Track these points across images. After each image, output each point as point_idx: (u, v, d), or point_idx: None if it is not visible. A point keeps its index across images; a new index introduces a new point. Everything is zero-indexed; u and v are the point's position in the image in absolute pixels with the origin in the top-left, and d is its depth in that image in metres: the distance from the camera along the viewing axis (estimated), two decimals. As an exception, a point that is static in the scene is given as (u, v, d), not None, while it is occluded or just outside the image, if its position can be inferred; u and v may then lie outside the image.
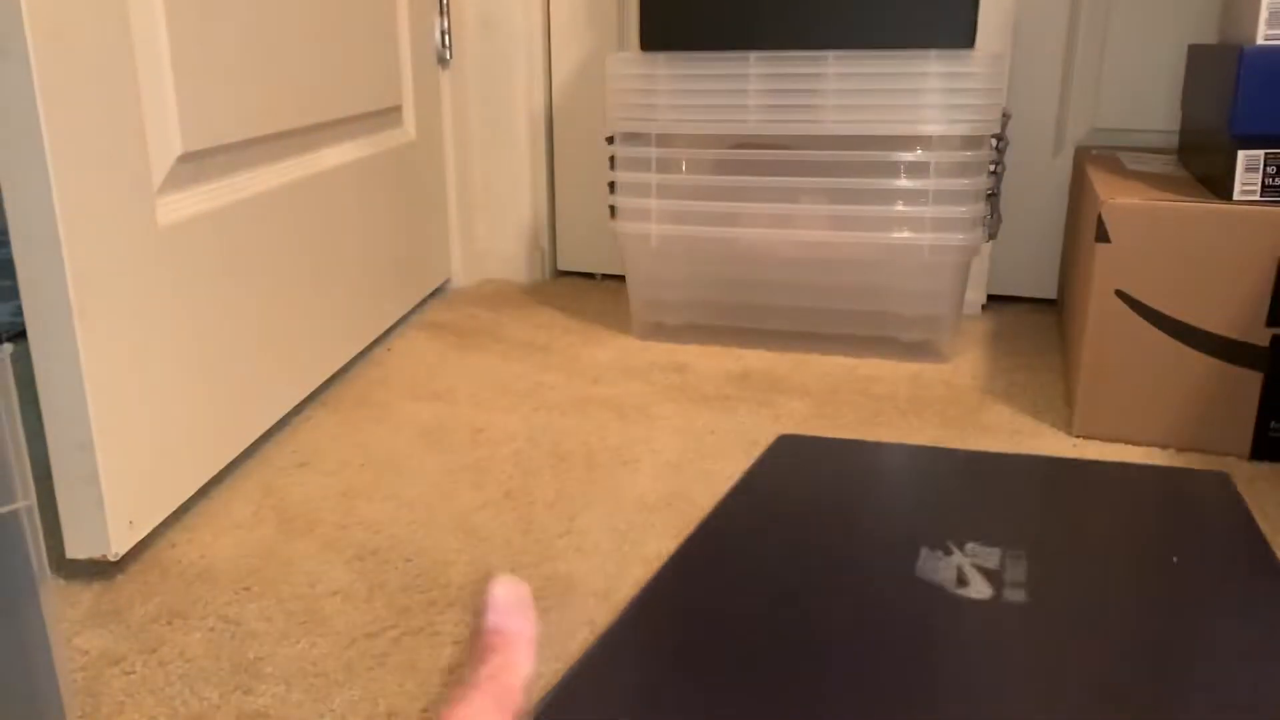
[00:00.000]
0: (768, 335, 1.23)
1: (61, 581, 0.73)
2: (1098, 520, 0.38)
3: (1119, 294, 0.91)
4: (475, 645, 0.25)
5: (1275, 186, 0.87)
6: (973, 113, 1.07)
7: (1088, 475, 0.43)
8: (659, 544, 0.77)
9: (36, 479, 0.55)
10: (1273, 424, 0.90)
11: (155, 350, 0.77)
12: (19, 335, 0.68)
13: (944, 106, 1.07)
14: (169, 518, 0.80)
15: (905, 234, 1.11)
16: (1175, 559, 0.35)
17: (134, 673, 0.63)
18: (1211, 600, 0.32)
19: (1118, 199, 0.89)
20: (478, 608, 0.25)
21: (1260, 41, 0.86)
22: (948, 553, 0.35)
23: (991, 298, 1.40)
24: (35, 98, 0.63)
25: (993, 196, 1.14)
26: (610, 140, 1.19)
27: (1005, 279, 1.39)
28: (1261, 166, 0.87)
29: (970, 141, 1.08)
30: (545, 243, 1.53)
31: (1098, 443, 0.95)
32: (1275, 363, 0.88)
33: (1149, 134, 1.31)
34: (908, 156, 1.09)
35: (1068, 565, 0.34)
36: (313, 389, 1.04)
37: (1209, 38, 1.25)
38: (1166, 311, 0.90)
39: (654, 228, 1.18)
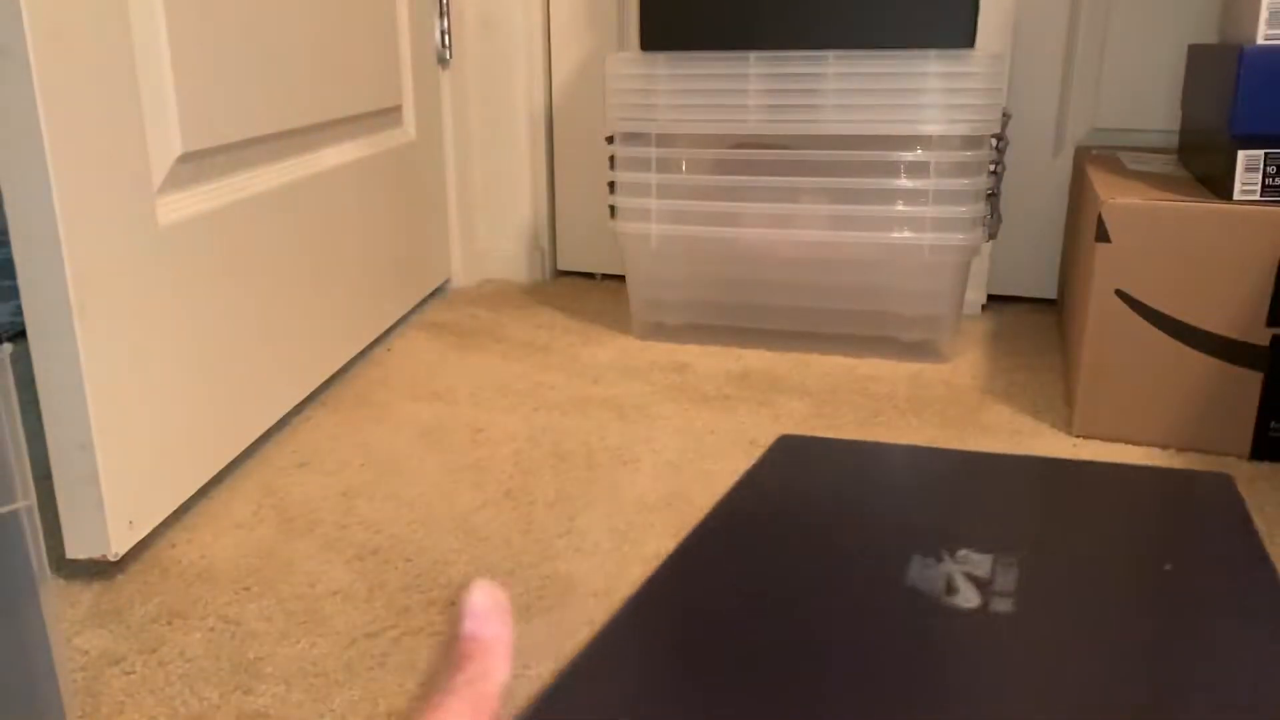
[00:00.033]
0: (768, 335, 1.23)
1: (61, 581, 0.73)
2: (1093, 525, 0.38)
3: (1119, 294, 0.91)
4: (451, 651, 0.24)
5: (1275, 186, 0.87)
6: (973, 113, 1.07)
7: (1088, 477, 0.43)
8: (659, 544, 0.77)
9: (36, 479, 0.55)
10: (1273, 424, 0.90)
11: (155, 350, 0.77)
12: (19, 335, 0.68)
13: (944, 106, 1.07)
14: (169, 518, 0.80)
15: (905, 234, 1.11)
16: (1168, 566, 0.34)
17: (134, 673, 0.63)
18: (1200, 612, 0.31)
19: (1118, 199, 0.89)
20: (454, 614, 0.25)
21: (1260, 41, 0.86)
22: (939, 559, 0.35)
23: (991, 298, 1.40)
24: (35, 98, 0.63)
25: (993, 196, 1.14)
26: (610, 140, 1.19)
27: (1005, 279, 1.39)
28: (1261, 166, 0.87)
29: (970, 141, 1.08)
30: (545, 243, 1.53)
31: (1097, 443, 0.95)
32: (1275, 363, 0.88)
33: (1149, 134, 1.31)
34: (908, 156, 1.09)
35: (1058, 574, 0.34)
36: (313, 389, 1.04)
37: (1209, 38, 1.25)
38: (1166, 311, 0.90)
39: (654, 228, 1.18)
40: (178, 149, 0.79)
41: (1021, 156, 1.34)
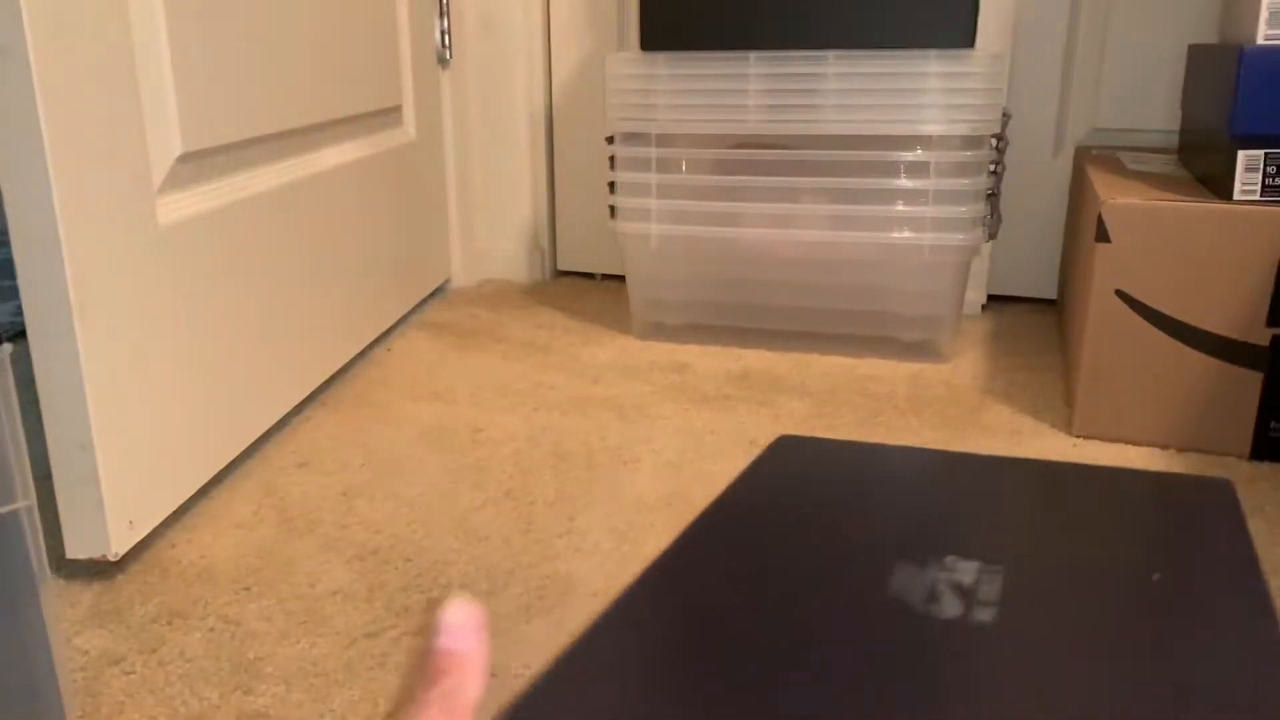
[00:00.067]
0: (768, 335, 1.23)
1: (61, 581, 0.73)
2: (1086, 531, 0.38)
3: (1119, 294, 0.91)
4: (425, 666, 0.24)
5: (1275, 186, 0.87)
6: (973, 113, 1.07)
7: (1086, 481, 0.42)
8: (659, 544, 0.77)
9: (36, 479, 0.55)
10: (1273, 424, 0.90)
11: (155, 350, 0.77)
12: (19, 335, 0.68)
13: (944, 106, 1.07)
14: (169, 518, 0.80)
15: (905, 234, 1.11)
16: (1156, 576, 0.34)
17: (134, 673, 0.63)
18: (1182, 626, 0.31)
19: (1118, 199, 0.89)
20: (427, 629, 0.25)
21: (1260, 41, 0.86)
22: (925, 566, 0.34)
23: (991, 298, 1.40)
24: (35, 98, 0.63)
25: (993, 196, 1.14)
26: (610, 140, 1.19)
27: (1005, 279, 1.39)
28: (1261, 166, 0.87)
29: (970, 141, 1.08)
30: (545, 243, 1.53)
31: (1097, 443, 0.95)
32: (1275, 363, 0.88)
33: (1149, 134, 1.31)
34: (908, 156, 1.09)
35: (1043, 582, 0.34)
36: (313, 389, 1.04)
37: (1209, 38, 1.25)
38: (1166, 311, 0.90)
39: (654, 228, 1.18)
40: (178, 149, 0.79)
41: (1021, 156, 1.34)
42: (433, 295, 1.44)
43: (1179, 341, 0.90)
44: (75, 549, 0.72)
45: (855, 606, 0.32)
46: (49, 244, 0.66)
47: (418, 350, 1.22)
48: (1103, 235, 0.90)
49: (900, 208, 1.10)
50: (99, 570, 0.74)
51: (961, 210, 1.09)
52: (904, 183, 1.10)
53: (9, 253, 0.66)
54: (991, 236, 1.16)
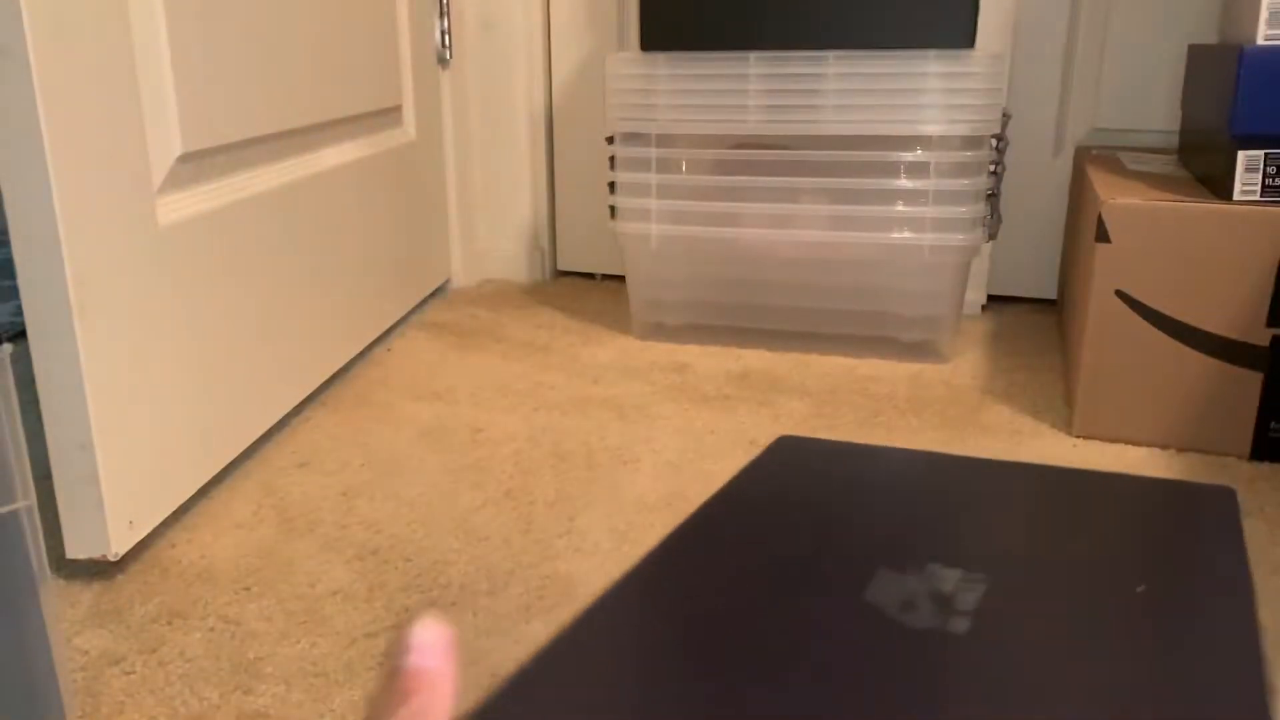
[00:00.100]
0: (768, 335, 1.23)
1: (61, 581, 0.73)
2: (1076, 539, 0.37)
3: (1119, 294, 0.91)
4: (393, 685, 0.23)
5: (1275, 186, 0.87)
6: (973, 113, 1.07)
7: (1085, 487, 0.42)
8: (659, 544, 0.77)
9: (36, 479, 0.55)
10: (1273, 424, 0.90)
11: (155, 350, 0.77)
12: (19, 335, 0.68)
13: (944, 106, 1.07)
14: (169, 518, 0.80)
15: (905, 234, 1.11)
16: (1141, 588, 0.33)
17: (134, 673, 0.63)
18: (1159, 643, 0.31)
19: (1118, 199, 0.89)
20: (396, 648, 0.25)
21: (1260, 41, 0.86)
22: (906, 573, 0.34)
23: (991, 298, 1.40)
24: (35, 98, 0.63)
25: (993, 196, 1.14)
26: (610, 140, 1.19)
27: (1005, 279, 1.39)
28: (1261, 166, 0.87)
29: (970, 141, 1.08)
30: (545, 243, 1.53)
31: (1098, 443, 0.95)
32: (1275, 363, 0.88)
33: (1149, 134, 1.31)
34: (908, 156, 1.09)
35: (1023, 592, 0.33)
36: (313, 389, 1.04)
37: (1209, 38, 1.25)
38: (1166, 311, 0.90)
39: (654, 228, 1.18)
40: (178, 149, 0.79)
41: (1021, 156, 1.34)
42: (433, 295, 1.44)
43: (1179, 341, 0.90)
44: (75, 549, 0.72)
45: (829, 613, 0.31)
46: (49, 244, 0.66)
47: (418, 350, 1.22)
48: (1103, 235, 0.90)
49: (900, 208, 1.10)
50: (99, 570, 0.74)
51: (961, 210, 1.09)
52: (904, 183, 1.10)
53: (9, 253, 0.66)
54: (991, 237, 1.16)
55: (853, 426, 0.98)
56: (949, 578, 0.33)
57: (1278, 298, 0.87)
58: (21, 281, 0.67)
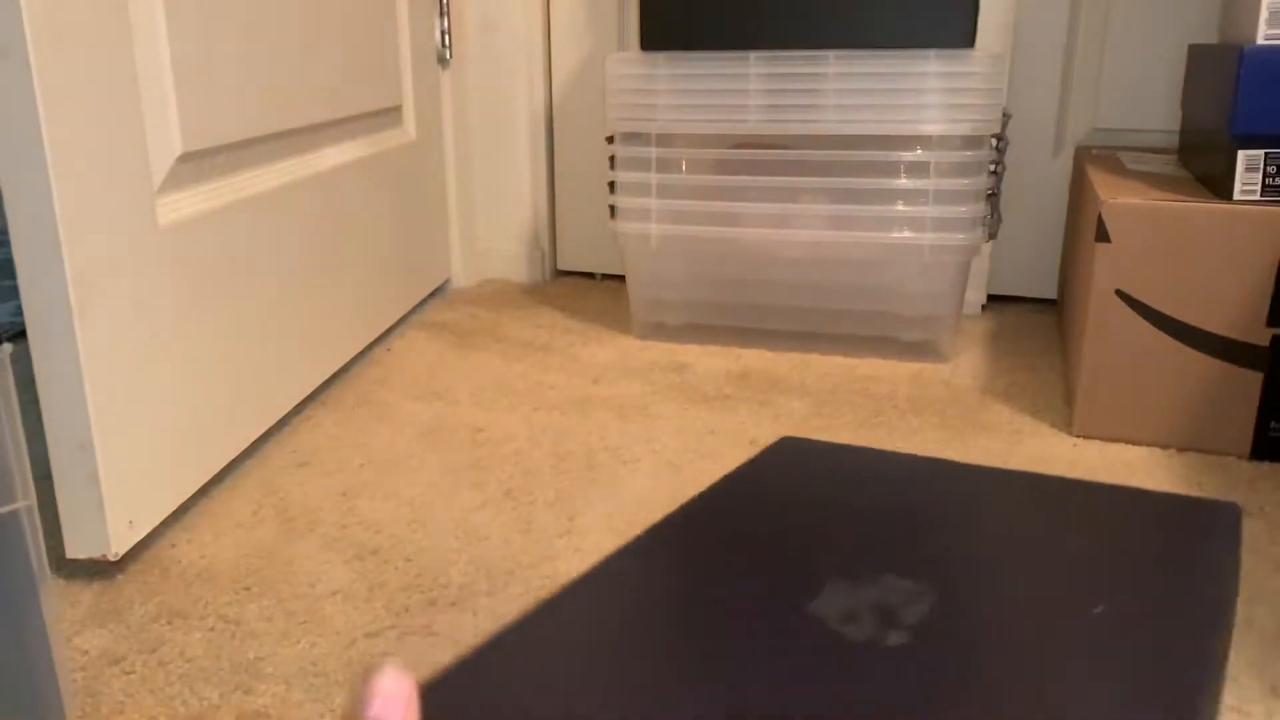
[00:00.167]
0: (768, 335, 1.23)
1: (61, 581, 0.73)
2: (1055, 555, 0.36)
3: (1119, 294, 0.91)
4: None
5: (1275, 186, 0.87)
6: (973, 113, 1.07)
7: (1084, 500, 0.41)
8: (659, 544, 0.77)
9: (36, 479, 0.55)
10: (1273, 424, 0.90)
11: (155, 350, 0.77)
12: (19, 335, 0.68)
13: (944, 106, 1.07)
14: (169, 518, 0.80)
15: (905, 234, 1.11)
16: (1099, 609, 0.32)
17: (134, 673, 0.63)
18: (1094, 667, 0.29)
19: (1118, 199, 0.89)
20: (357, 697, 0.24)
21: (1260, 41, 0.86)
22: (859, 583, 0.34)
23: (991, 298, 1.40)
24: (35, 98, 0.63)
25: (993, 196, 1.14)
26: (610, 140, 1.19)
27: (1005, 279, 1.39)
28: (1261, 166, 0.87)
29: (970, 141, 1.08)
30: (545, 243, 1.53)
31: (1098, 443, 0.95)
32: (1275, 363, 0.88)
33: (1149, 134, 1.31)
34: (908, 156, 1.09)
35: (975, 608, 0.32)
36: (313, 389, 1.04)
37: (1209, 38, 1.25)
38: (1166, 311, 0.90)
39: (654, 228, 1.18)
40: (178, 149, 0.79)
41: (1021, 156, 1.34)
42: (433, 295, 1.44)
43: (1179, 341, 0.90)
44: (75, 549, 0.72)
45: (770, 622, 0.31)
46: (49, 244, 0.66)
47: (418, 350, 1.22)
48: (1103, 235, 0.90)
49: (900, 208, 1.10)
50: (99, 570, 0.74)
51: (961, 210, 1.09)
52: (904, 183, 1.10)
53: (9, 253, 0.66)
54: (991, 236, 1.16)
55: (853, 426, 0.98)
56: (901, 590, 0.33)
57: (1278, 298, 0.87)
58: (21, 281, 0.67)
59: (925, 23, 1.06)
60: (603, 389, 1.08)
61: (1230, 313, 0.88)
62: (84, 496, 0.70)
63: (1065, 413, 1.01)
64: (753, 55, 1.10)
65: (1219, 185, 0.91)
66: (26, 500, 0.52)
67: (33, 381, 0.68)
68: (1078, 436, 0.96)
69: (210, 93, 0.83)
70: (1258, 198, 0.87)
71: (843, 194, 1.12)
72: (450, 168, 1.43)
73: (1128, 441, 0.94)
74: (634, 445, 0.94)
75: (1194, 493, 0.85)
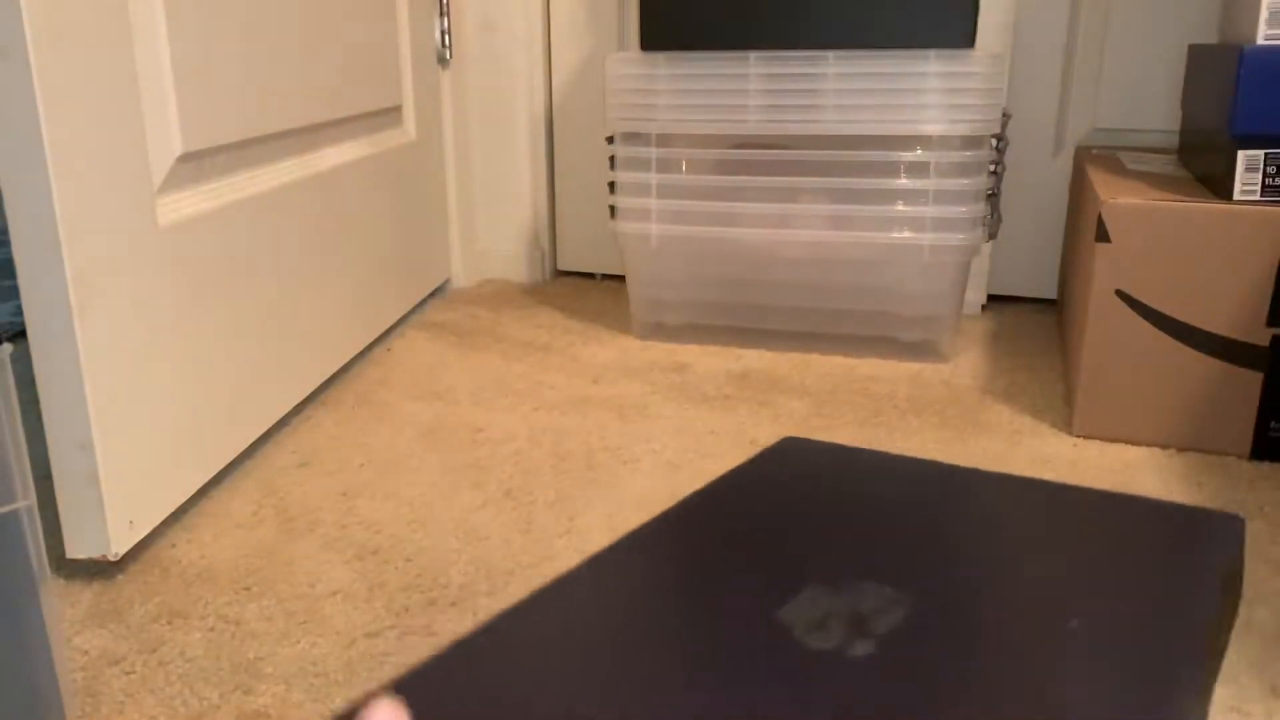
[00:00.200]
0: (768, 335, 1.23)
1: (61, 581, 0.73)
2: (1041, 564, 0.35)
3: (1119, 294, 0.91)
4: None
5: (1275, 186, 0.87)
6: (973, 113, 1.07)
7: (1083, 508, 0.40)
8: (659, 544, 0.77)
9: (36, 479, 0.55)
10: (1273, 424, 0.90)
11: (155, 350, 0.77)
12: (19, 335, 0.68)
13: (944, 106, 1.07)
14: (169, 518, 0.80)
15: (905, 234, 1.11)
16: (1074, 624, 0.31)
17: (134, 673, 0.63)
18: (1059, 688, 0.28)
19: (1118, 199, 0.89)
20: None
21: (1260, 41, 0.86)
22: (835, 589, 0.33)
23: (991, 298, 1.40)
24: (35, 98, 0.63)
25: (993, 196, 1.14)
26: (610, 140, 1.19)
27: (1005, 279, 1.39)
28: (1261, 166, 0.87)
29: (970, 141, 1.08)
30: (545, 243, 1.53)
31: (1098, 442, 0.95)
32: (1275, 363, 0.88)
33: (1149, 134, 1.31)
34: (908, 156, 1.09)
35: (946, 619, 0.31)
36: (313, 389, 1.04)
37: (1209, 38, 1.25)
38: (1166, 311, 0.90)
39: (654, 228, 1.18)
40: (178, 149, 0.79)
41: (1021, 156, 1.34)
42: (433, 295, 1.44)
43: (1179, 341, 0.90)
44: (75, 549, 0.72)
45: (737, 627, 0.31)
46: (49, 244, 0.66)
47: (418, 350, 1.22)
48: (1103, 235, 0.90)
49: (900, 208, 1.10)
50: (99, 570, 0.74)
51: (961, 210, 1.09)
52: (904, 183, 1.10)
53: (9, 253, 0.66)
54: (991, 236, 1.16)
55: (853, 426, 0.98)
56: (875, 598, 0.32)
57: (1278, 298, 0.87)
58: (21, 281, 0.67)
59: (925, 23, 1.06)
60: (603, 389, 1.08)
61: (1230, 313, 0.88)
62: (84, 496, 0.70)
63: (1065, 413, 1.01)
64: (753, 55, 1.10)
65: (1219, 185, 0.91)
66: (26, 500, 0.52)
67: (33, 381, 0.68)
68: (1078, 436, 0.96)
69: (210, 93, 0.83)
70: (1258, 198, 0.87)
71: (843, 194, 1.12)
72: (450, 168, 1.43)
73: (1128, 441, 0.94)
74: (634, 445, 0.94)
75: (1194, 492, 0.85)
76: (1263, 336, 0.88)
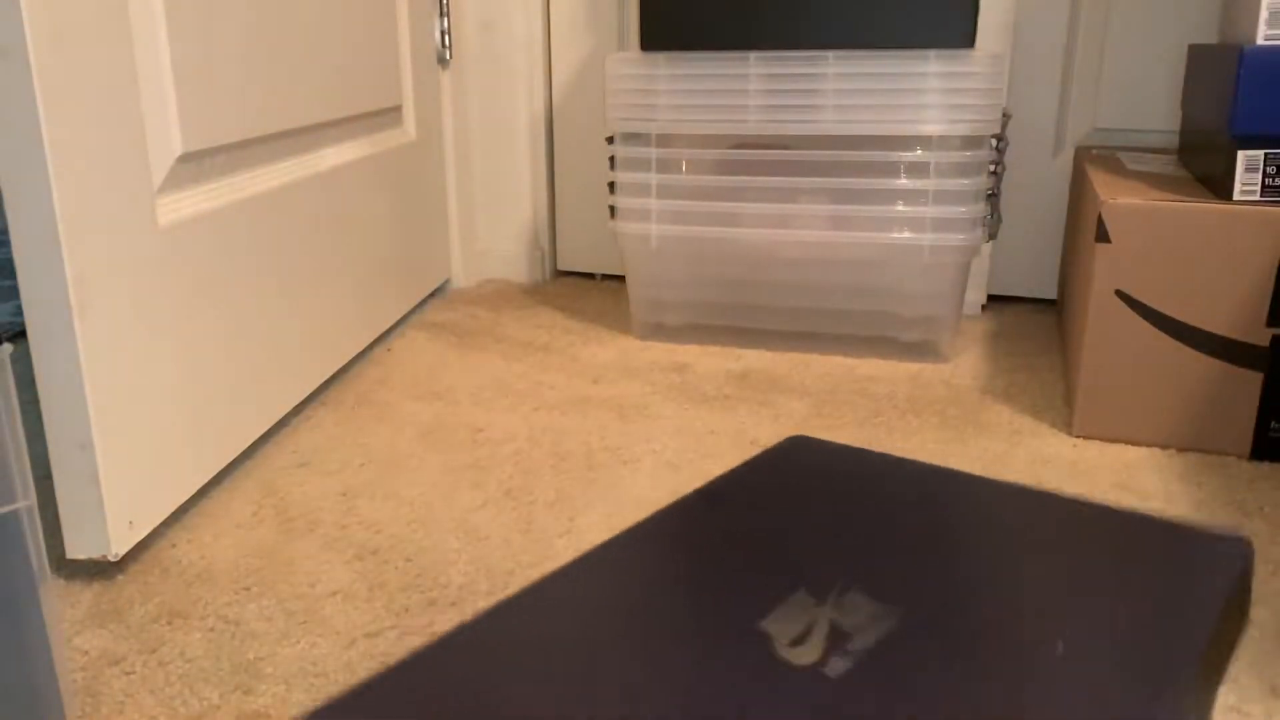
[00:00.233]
0: (768, 335, 1.23)
1: (61, 581, 0.73)
2: (1036, 582, 0.35)
3: (1119, 294, 0.91)
4: None
5: (1275, 186, 0.87)
6: (973, 113, 1.07)
7: (1086, 524, 0.39)
8: (659, 544, 0.77)
9: (36, 479, 0.55)
10: (1273, 424, 0.90)
11: (155, 350, 0.77)
12: (19, 335, 0.68)
13: (944, 106, 1.07)
14: (169, 518, 0.80)
15: (905, 234, 1.11)
16: (1060, 648, 0.30)
17: (134, 673, 0.63)
18: (1037, 714, 0.28)
19: (1118, 199, 0.89)
20: None
21: (1260, 41, 0.86)
22: (821, 600, 0.33)
23: (991, 298, 1.40)
24: (35, 98, 0.63)
25: (993, 196, 1.14)
26: (610, 140, 1.19)
27: (1005, 279, 1.39)
28: (1261, 166, 0.87)
29: (970, 141, 1.08)
30: (545, 243, 1.53)
31: (1098, 443, 0.95)
32: (1275, 363, 0.88)
33: (1149, 134, 1.31)
34: (908, 156, 1.09)
35: (928, 637, 0.30)
36: (313, 389, 1.04)
37: (1209, 38, 1.25)
38: (1166, 311, 0.90)
39: (654, 228, 1.18)
40: (178, 149, 0.79)
41: (1021, 156, 1.34)
42: (433, 295, 1.44)
43: (1179, 341, 0.90)
44: (75, 549, 0.72)
45: (717, 635, 0.30)
46: (49, 244, 0.66)
47: (418, 350, 1.22)
48: (1103, 235, 0.90)
49: (900, 208, 1.10)
50: (99, 570, 0.74)
51: (961, 210, 1.09)
52: (904, 183, 1.10)
53: (9, 253, 0.66)
54: (991, 236, 1.16)
55: (853, 427, 0.98)
56: (861, 610, 0.32)
57: (1278, 298, 0.87)
58: (21, 281, 0.67)
59: (925, 23, 1.06)
60: (603, 389, 1.08)
61: (1230, 313, 0.88)
62: (84, 496, 0.70)
63: (1065, 413, 1.01)
64: (753, 55, 1.10)
65: (1219, 185, 0.91)
66: (26, 500, 0.52)
67: (33, 381, 0.68)
68: (1078, 437, 0.96)
69: (210, 93, 0.83)
70: (1258, 198, 0.87)
71: (842, 194, 1.12)
72: (450, 168, 1.43)
73: (1128, 442, 0.94)
74: (634, 445, 0.94)
75: (1194, 492, 0.85)
76: (1263, 336, 0.88)
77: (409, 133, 1.29)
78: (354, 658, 0.64)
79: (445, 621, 0.68)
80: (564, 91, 1.47)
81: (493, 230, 1.52)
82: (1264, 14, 0.86)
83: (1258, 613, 0.68)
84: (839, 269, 1.16)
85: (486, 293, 1.47)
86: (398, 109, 1.26)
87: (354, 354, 1.15)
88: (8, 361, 0.52)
